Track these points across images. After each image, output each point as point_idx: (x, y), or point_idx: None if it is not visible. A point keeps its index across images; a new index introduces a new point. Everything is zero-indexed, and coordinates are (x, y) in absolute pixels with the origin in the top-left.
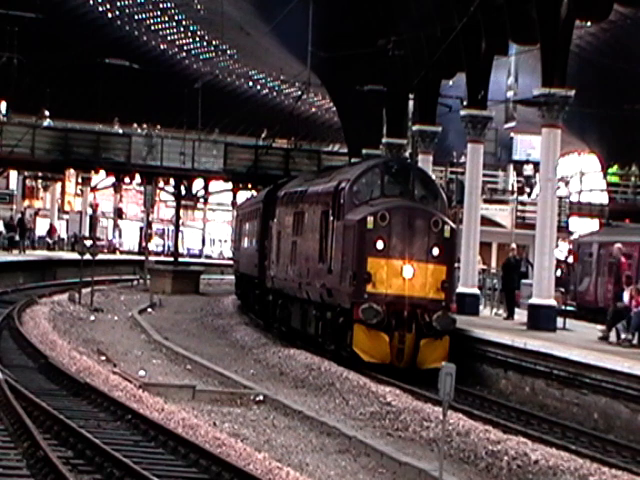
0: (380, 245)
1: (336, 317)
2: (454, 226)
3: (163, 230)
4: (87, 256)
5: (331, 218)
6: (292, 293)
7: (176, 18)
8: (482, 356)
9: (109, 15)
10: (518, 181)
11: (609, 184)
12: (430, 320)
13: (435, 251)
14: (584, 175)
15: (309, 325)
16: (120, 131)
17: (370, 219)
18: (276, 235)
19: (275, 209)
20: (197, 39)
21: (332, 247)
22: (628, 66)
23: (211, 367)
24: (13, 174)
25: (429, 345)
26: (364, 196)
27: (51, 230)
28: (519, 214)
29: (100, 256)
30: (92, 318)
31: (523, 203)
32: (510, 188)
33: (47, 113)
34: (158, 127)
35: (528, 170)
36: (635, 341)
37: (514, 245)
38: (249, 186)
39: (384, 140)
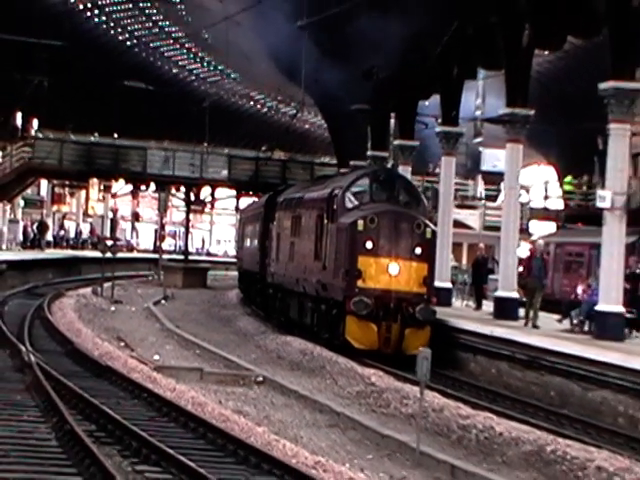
0: (369, 245)
1: (330, 309)
2: (434, 228)
3: (175, 232)
4: (108, 254)
5: (325, 221)
6: (290, 287)
7: (187, 46)
8: (455, 342)
9: (127, 43)
10: (486, 189)
11: (565, 192)
12: (414, 312)
13: (418, 250)
14: (547, 184)
15: (305, 316)
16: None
17: (360, 222)
18: (276, 236)
19: (275, 213)
20: (205, 64)
21: (326, 247)
22: (580, 90)
23: (217, 352)
24: (43, 182)
25: (413, 334)
26: (355, 201)
27: (92, 231)
28: (487, 218)
29: (120, 254)
30: (112, 309)
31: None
32: (478, 195)
33: (71, 135)
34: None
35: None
36: (586, 328)
37: (482, 245)
38: (251, 193)
39: (369, 153)
